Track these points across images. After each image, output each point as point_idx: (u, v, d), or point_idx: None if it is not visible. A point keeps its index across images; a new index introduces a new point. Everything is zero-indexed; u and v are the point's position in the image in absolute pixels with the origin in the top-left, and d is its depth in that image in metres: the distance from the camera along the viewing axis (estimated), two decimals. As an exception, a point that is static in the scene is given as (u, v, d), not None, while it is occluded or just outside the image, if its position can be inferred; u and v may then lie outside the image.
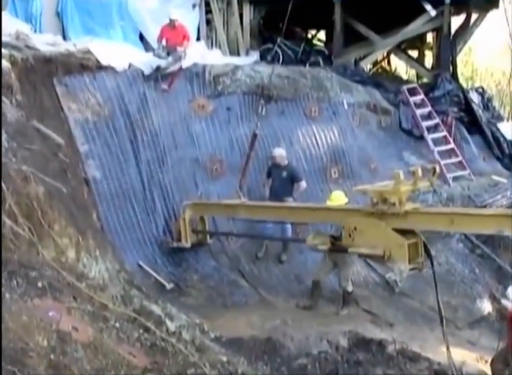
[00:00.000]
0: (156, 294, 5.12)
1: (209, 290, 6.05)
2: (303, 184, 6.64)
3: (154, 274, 5.94)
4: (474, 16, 8.55)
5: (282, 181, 6.52)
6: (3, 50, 5.31)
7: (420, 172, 4.29)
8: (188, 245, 6.12)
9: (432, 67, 9.09)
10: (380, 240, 4.47)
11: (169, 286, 5.90)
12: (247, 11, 7.91)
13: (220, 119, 6.94)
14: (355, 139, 7.65)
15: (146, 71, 6.54)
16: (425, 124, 7.88)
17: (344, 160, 7.45)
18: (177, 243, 6.19)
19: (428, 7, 7.58)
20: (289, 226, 6.49)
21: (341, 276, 5.88)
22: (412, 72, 11.05)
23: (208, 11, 7.80)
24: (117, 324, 3.65)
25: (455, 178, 7.55)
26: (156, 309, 4.33)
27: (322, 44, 9.96)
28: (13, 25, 6.11)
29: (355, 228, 4.59)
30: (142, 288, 4.85)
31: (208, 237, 6.31)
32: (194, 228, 6.22)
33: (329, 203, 5.72)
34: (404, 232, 4.46)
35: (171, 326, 4.07)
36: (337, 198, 5.78)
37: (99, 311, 3.67)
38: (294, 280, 6.51)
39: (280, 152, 6.67)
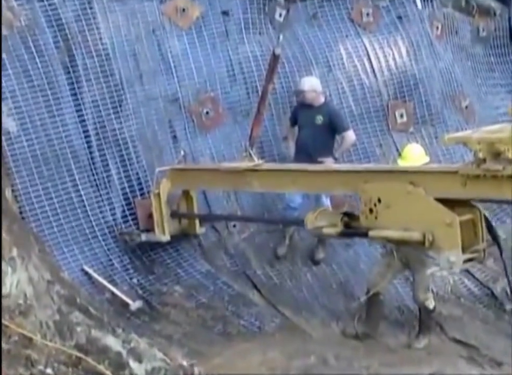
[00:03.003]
0: (114, 319, 5.16)
1: (201, 311, 6.15)
2: (350, 135, 6.72)
3: (110, 286, 6.04)
4: None
5: (316, 131, 6.63)
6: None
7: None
8: (165, 237, 6.22)
9: None
10: (417, 217, 4.59)
11: (135, 305, 5.98)
12: None
13: (212, 31, 7.02)
14: (436, 60, 7.72)
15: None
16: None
17: (417, 95, 7.53)
18: (147, 235, 6.29)
19: None
20: (326, 202, 6.56)
21: (416, 284, 5.85)
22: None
23: None
24: (48, 370, 3.78)
25: None
26: (113, 343, 4.42)
27: None
28: None
29: (379, 200, 4.73)
30: (90, 309, 4.81)
31: (197, 224, 6.43)
32: (175, 211, 6.31)
33: (400, 162, 5.81)
34: (452, 204, 4.53)
35: (139, 370, 4.20)
36: (413, 156, 5.85)
37: (19, 348, 3.79)
38: (337, 292, 6.65)
39: (311, 85, 6.73)
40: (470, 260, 4.68)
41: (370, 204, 4.81)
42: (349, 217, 5.09)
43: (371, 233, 4.85)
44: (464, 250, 4.56)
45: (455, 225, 4.53)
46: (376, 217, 4.80)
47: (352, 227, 5.05)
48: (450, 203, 4.59)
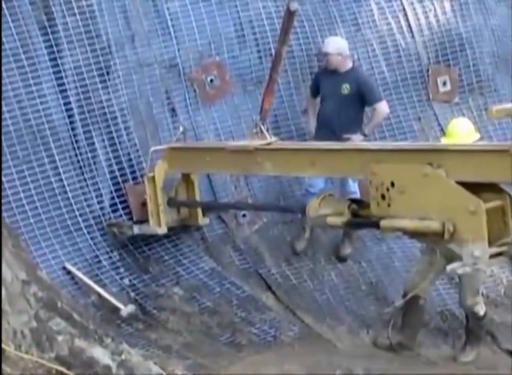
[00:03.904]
0: (101, 326, 5.25)
1: (205, 316, 6.18)
2: (383, 107, 6.69)
3: (97, 288, 6.05)
4: None
5: (342, 103, 6.62)
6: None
7: None
8: (162, 229, 6.24)
9: None
10: (436, 204, 4.63)
11: (126, 309, 5.99)
12: None
13: (216, -19, 7.00)
14: (486, 16, 7.69)
15: None
16: None
17: (463, 59, 7.52)
18: (140, 227, 6.31)
19: None
20: (354, 188, 6.55)
21: (463, 286, 5.88)
22: None
23: None
24: (24, 387, 3.89)
25: None
26: (101, 355, 4.53)
27: None
28: None
29: (392, 185, 4.77)
30: (74, 314, 4.92)
31: (200, 214, 6.42)
32: (173, 198, 6.32)
33: (444, 141, 5.87)
34: (477, 188, 4.57)
35: (131, 386, 4.31)
36: (460, 132, 5.86)
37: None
38: (367, 295, 6.66)
39: (336, 47, 6.69)
40: (497, 254, 4.61)
41: (382, 189, 4.82)
42: (358, 204, 5.12)
43: (382, 223, 4.85)
44: (491, 242, 4.53)
45: (480, 213, 4.51)
46: (389, 205, 4.80)
47: (360, 216, 5.08)
48: (474, 187, 4.59)
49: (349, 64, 6.68)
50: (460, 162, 4.69)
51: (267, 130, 6.18)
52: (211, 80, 6.88)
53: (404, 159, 4.86)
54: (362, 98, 6.59)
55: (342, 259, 6.80)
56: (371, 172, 4.90)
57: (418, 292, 5.79)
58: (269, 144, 5.81)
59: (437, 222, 4.62)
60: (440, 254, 5.69)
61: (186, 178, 6.37)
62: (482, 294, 6.02)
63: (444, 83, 7.43)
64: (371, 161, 4.94)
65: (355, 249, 6.84)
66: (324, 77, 6.73)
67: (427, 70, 7.42)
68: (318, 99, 6.80)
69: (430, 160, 4.72)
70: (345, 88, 6.57)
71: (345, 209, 5.08)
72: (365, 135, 6.61)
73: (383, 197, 4.83)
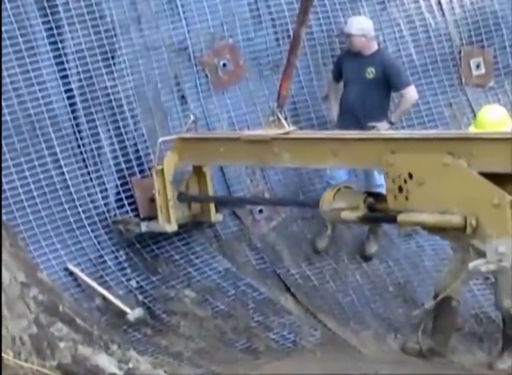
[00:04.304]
0: (107, 332, 5.28)
1: (219, 321, 6.19)
2: (411, 92, 6.71)
3: (102, 290, 6.07)
4: None
5: (367, 88, 6.64)
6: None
7: None
8: (172, 227, 6.25)
9: None
10: (457, 197, 4.66)
11: (133, 314, 6.02)
12: None
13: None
14: None
15: None
16: None
17: (498, 39, 7.50)
18: (148, 224, 6.34)
19: None
20: (380, 181, 6.35)
21: (500, 287, 5.88)
22: None
23: None
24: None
25: None
26: (106, 363, 4.55)
27: None
28: None
29: (410, 176, 4.80)
30: (77, 319, 4.93)
31: (213, 209, 6.44)
32: (184, 193, 6.35)
33: (474, 129, 5.83)
34: (501, 179, 4.60)
35: (139, 397, 4.41)
36: (491, 119, 5.80)
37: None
38: (395, 297, 6.65)
39: (360, 27, 6.69)
40: None
41: (399, 182, 4.85)
42: (375, 198, 5.14)
43: (400, 217, 4.86)
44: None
45: (505, 206, 4.50)
46: (407, 198, 4.83)
47: (377, 211, 5.09)
48: (498, 178, 4.59)
49: (374, 46, 6.67)
50: (483, 152, 4.69)
51: (285, 118, 6.18)
52: (224, 65, 6.89)
53: (422, 149, 4.88)
54: (389, 83, 6.59)
55: (367, 258, 6.81)
56: (387, 163, 4.92)
57: (450, 294, 5.78)
58: (287, 133, 5.82)
59: (458, 216, 4.63)
60: (474, 251, 5.47)
61: (198, 171, 6.38)
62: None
63: (478, 66, 7.44)
64: (387, 151, 4.96)
65: (381, 246, 6.84)
66: (347, 61, 6.73)
67: (459, 52, 7.42)
68: (341, 84, 6.81)
69: (451, 149, 4.73)
70: (370, 72, 6.57)
71: (360, 202, 5.09)
72: (391, 123, 6.60)
73: (400, 189, 4.85)
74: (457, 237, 4.91)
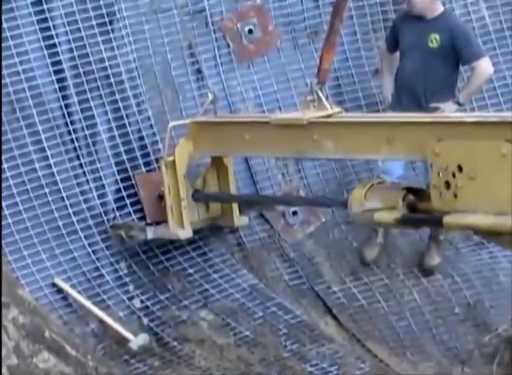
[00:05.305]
0: (103, 363, 5.38)
1: (243, 350, 6.14)
2: (484, 66, 6.62)
3: (98, 311, 6.05)
4: None
5: (429, 60, 6.59)
6: None
7: None
8: (185, 233, 6.25)
9: None
10: None
11: (137, 341, 5.99)
12: None
13: None
14: None
15: None
16: None
17: None
18: (156, 230, 6.32)
19: None
20: None
21: None
22: None
23: None
24: None
25: None
26: None
27: None
28: None
29: (460, 169, 4.83)
30: (67, 347, 5.02)
31: (236, 211, 6.43)
32: (200, 190, 6.36)
33: None
34: None
35: None
36: None
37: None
38: (462, 320, 6.59)
39: None
40: None
41: (446, 175, 4.86)
42: (417, 195, 5.13)
43: (446, 219, 4.87)
44: None
45: None
46: (455, 195, 4.83)
47: (419, 211, 5.10)
48: None
49: (439, 8, 6.59)
50: None
51: (326, 98, 6.05)
52: (249, 31, 6.90)
53: (475, 135, 4.86)
54: (457, 54, 6.53)
55: (427, 272, 6.77)
56: (432, 152, 4.93)
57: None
58: (329, 116, 5.74)
59: None
60: None
61: (217, 163, 6.39)
62: None
63: None
64: (431, 138, 4.96)
65: (445, 258, 6.82)
66: (405, 26, 6.66)
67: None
68: (396, 55, 6.76)
69: (510, 136, 4.70)
70: (433, 40, 6.49)
71: (398, 201, 5.09)
72: (459, 104, 6.55)
73: (447, 185, 4.88)
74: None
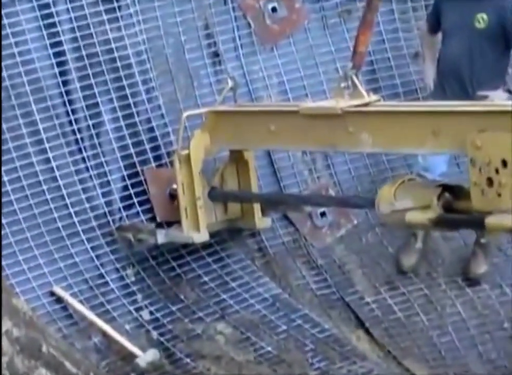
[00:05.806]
0: None
1: (263, 368, 6.13)
2: None
3: (102, 324, 6.06)
4: None
5: (476, 42, 6.58)
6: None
7: None
8: (201, 236, 6.29)
9: None
10: None
11: (145, 357, 5.98)
12: None
13: None
14: None
15: None
16: None
17: None
18: (167, 232, 6.37)
19: None
20: None
21: None
22: None
23: None
24: None
25: None
26: None
27: None
28: None
29: (504, 164, 4.85)
30: (66, 364, 5.01)
31: (257, 212, 6.48)
32: (217, 188, 6.40)
33: None
34: None
35: None
36: None
37: None
38: None
39: None
40: None
41: (489, 171, 4.85)
42: (453, 193, 5.12)
43: (489, 221, 4.87)
44: None
45: None
46: (499, 194, 4.83)
47: (456, 211, 5.09)
48: None
49: None
50: None
51: (362, 84, 6.06)
52: (273, 10, 6.93)
53: None
54: (507, 36, 6.48)
55: (473, 281, 6.77)
56: (472, 145, 4.92)
57: None
58: (366, 104, 5.73)
59: None
60: None
61: (237, 158, 6.40)
62: None
63: None
64: (471, 129, 4.96)
65: (493, 265, 6.82)
66: (448, 4, 6.64)
67: None
68: (439, 37, 6.76)
69: None
70: (481, 20, 6.46)
71: (433, 200, 5.09)
72: (510, 92, 6.54)
73: (490, 182, 4.88)
74: None
